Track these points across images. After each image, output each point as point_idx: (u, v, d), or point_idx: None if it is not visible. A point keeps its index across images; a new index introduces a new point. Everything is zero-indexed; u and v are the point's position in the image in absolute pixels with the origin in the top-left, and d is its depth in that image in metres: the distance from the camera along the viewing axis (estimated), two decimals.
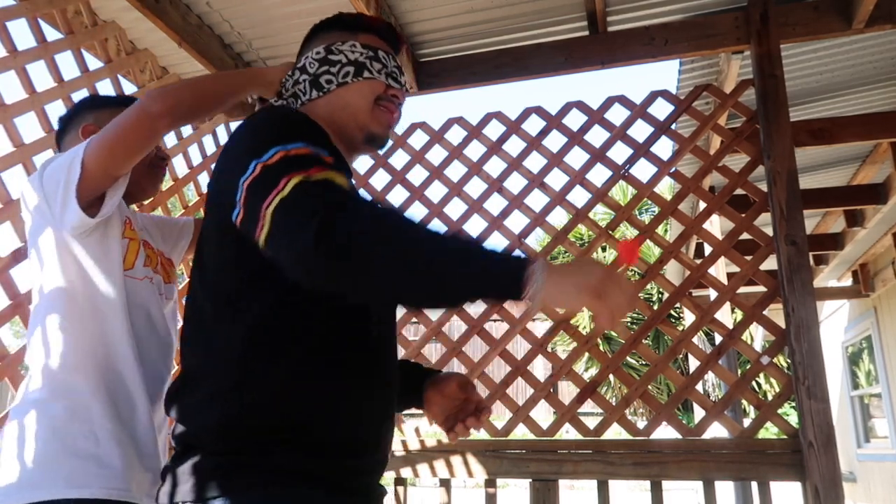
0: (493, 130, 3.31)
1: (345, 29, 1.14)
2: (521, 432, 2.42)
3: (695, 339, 2.41)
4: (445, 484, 2.25)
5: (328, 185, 0.83)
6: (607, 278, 0.78)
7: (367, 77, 1.09)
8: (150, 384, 1.21)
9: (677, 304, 2.28)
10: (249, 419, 0.87)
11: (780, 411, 2.10)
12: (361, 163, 2.43)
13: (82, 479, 1.05)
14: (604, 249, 11.86)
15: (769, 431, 9.14)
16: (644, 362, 10.57)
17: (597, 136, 4.31)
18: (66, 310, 1.16)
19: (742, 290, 2.32)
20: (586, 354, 3.08)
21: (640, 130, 3.49)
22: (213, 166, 2.66)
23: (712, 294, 2.32)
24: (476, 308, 2.54)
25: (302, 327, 0.92)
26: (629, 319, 11.55)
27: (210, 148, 2.62)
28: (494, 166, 2.64)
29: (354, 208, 0.80)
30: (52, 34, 1.97)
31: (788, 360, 2.06)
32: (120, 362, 1.16)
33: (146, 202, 2.19)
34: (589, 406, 2.50)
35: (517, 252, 0.84)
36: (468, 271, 0.79)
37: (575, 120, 2.60)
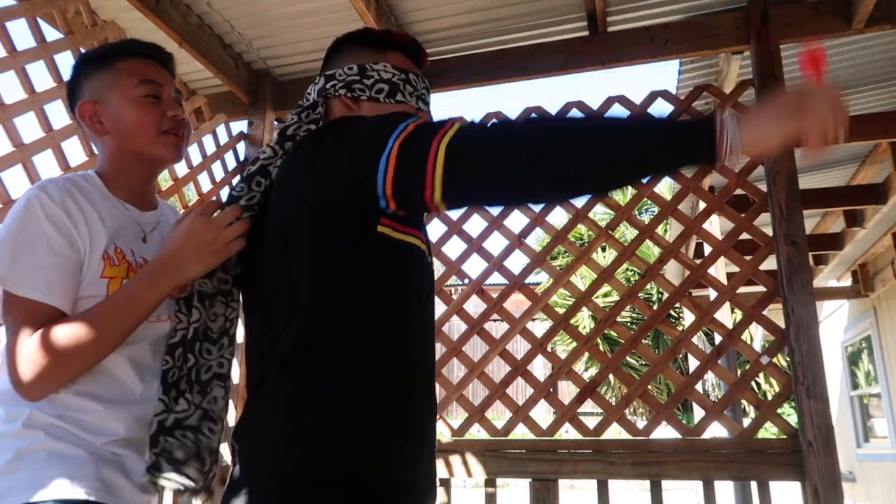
0: None
1: (372, 46, 1.14)
2: (521, 432, 2.42)
3: (694, 339, 2.41)
4: (445, 484, 2.25)
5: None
6: (802, 94, 0.73)
7: (399, 101, 1.10)
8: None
9: (677, 304, 2.28)
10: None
11: (779, 411, 2.11)
12: None
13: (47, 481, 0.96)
14: (603, 249, 11.86)
15: (769, 431, 9.14)
16: (644, 362, 10.57)
17: None
18: None
19: (742, 290, 2.32)
20: (586, 354, 3.08)
21: None
22: (213, 167, 2.64)
23: (712, 294, 2.33)
24: (476, 308, 2.55)
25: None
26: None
27: (210, 147, 2.63)
28: None
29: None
30: (51, 34, 1.97)
31: (788, 360, 2.06)
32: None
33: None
34: (589, 406, 2.50)
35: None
36: (653, 144, 0.76)
37: None
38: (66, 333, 0.98)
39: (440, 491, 2.26)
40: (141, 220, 1.17)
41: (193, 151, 2.54)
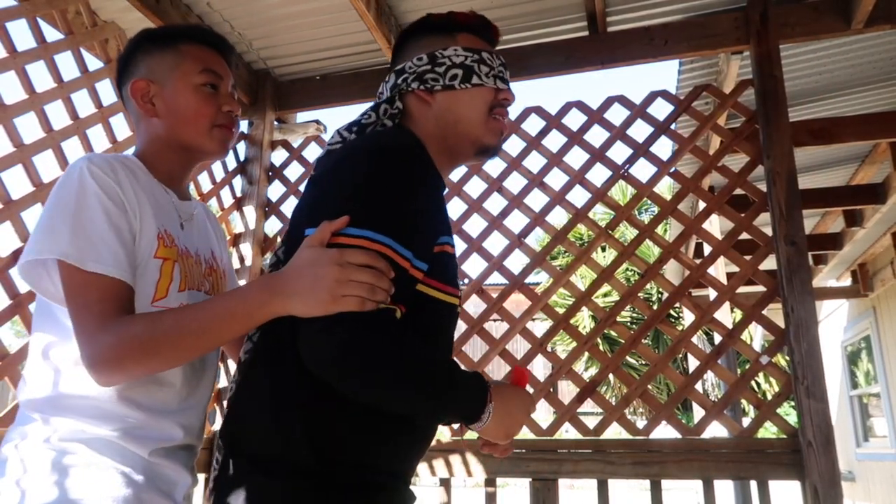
0: None
1: (439, 32, 1.10)
2: (521, 431, 2.42)
3: (694, 339, 2.41)
4: (445, 483, 2.25)
5: (376, 315, 0.85)
6: (521, 424, 1.00)
7: (475, 84, 1.06)
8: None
9: (677, 304, 2.28)
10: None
11: (779, 411, 2.11)
12: None
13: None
14: (603, 249, 11.86)
15: (768, 431, 9.15)
16: (644, 362, 10.58)
17: (596, 135, 4.26)
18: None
19: (741, 289, 2.32)
20: (586, 354, 3.08)
21: (640, 130, 3.48)
22: (213, 167, 2.64)
23: (712, 294, 2.33)
24: (476, 308, 2.54)
25: None
26: (629, 320, 11.56)
27: None
28: (494, 166, 2.65)
29: (379, 343, 0.84)
30: (51, 34, 1.97)
31: (788, 360, 2.06)
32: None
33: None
34: (589, 405, 2.50)
35: (480, 392, 0.93)
36: (444, 409, 0.92)
37: (575, 120, 2.61)
38: (157, 328, 0.89)
39: (440, 490, 2.26)
40: (179, 207, 1.13)
41: None
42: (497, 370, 8.66)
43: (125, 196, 0.99)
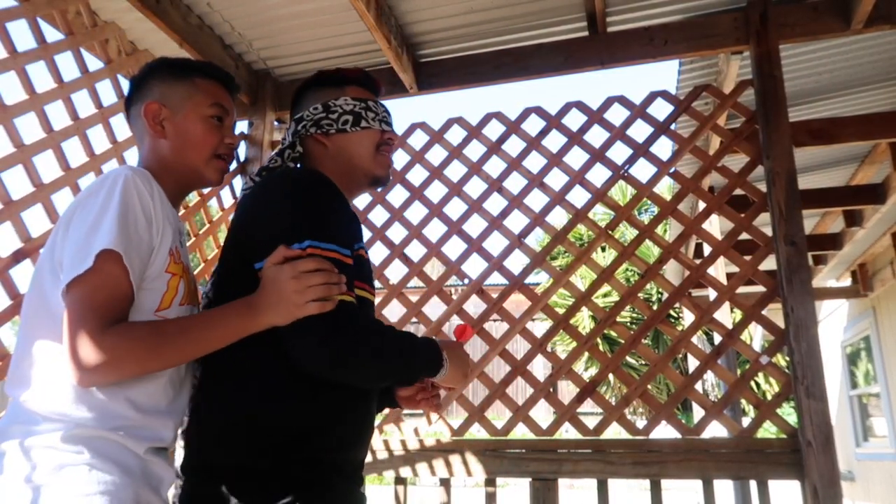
0: (493, 130, 3.33)
1: (331, 85, 1.29)
2: (521, 432, 2.43)
3: (694, 339, 2.42)
4: (445, 483, 2.25)
5: (341, 310, 1.03)
6: (469, 367, 1.30)
7: (364, 127, 1.26)
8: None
9: (677, 304, 2.28)
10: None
11: (778, 411, 2.11)
12: None
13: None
14: (603, 249, 11.86)
15: (768, 431, 9.14)
16: (644, 362, 10.57)
17: (596, 136, 4.28)
18: None
19: (741, 289, 2.32)
20: (586, 354, 3.08)
21: (640, 130, 3.49)
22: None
23: (712, 294, 2.33)
24: (476, 308, 2.55)
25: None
26: (628, 319, 11.57)
27: None
28: (494, 166, 2.66)
29: (354, 332, 1.03)
30: (52, 35, 1.98)
31: (787, 360, 2.06)
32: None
33: None
34: (588, 405, 2.50)
35: (433, 346, 1.19)
36: (417, 369, 1.17)
37: (574, 120, 2.61)
38: (149, 336, 0.99)
39: (440, 490, 2.26)
40: (179, 226, 1.22)
41: None
42: (497, 370, 8.65)
43: (155, 212, 1.08)
